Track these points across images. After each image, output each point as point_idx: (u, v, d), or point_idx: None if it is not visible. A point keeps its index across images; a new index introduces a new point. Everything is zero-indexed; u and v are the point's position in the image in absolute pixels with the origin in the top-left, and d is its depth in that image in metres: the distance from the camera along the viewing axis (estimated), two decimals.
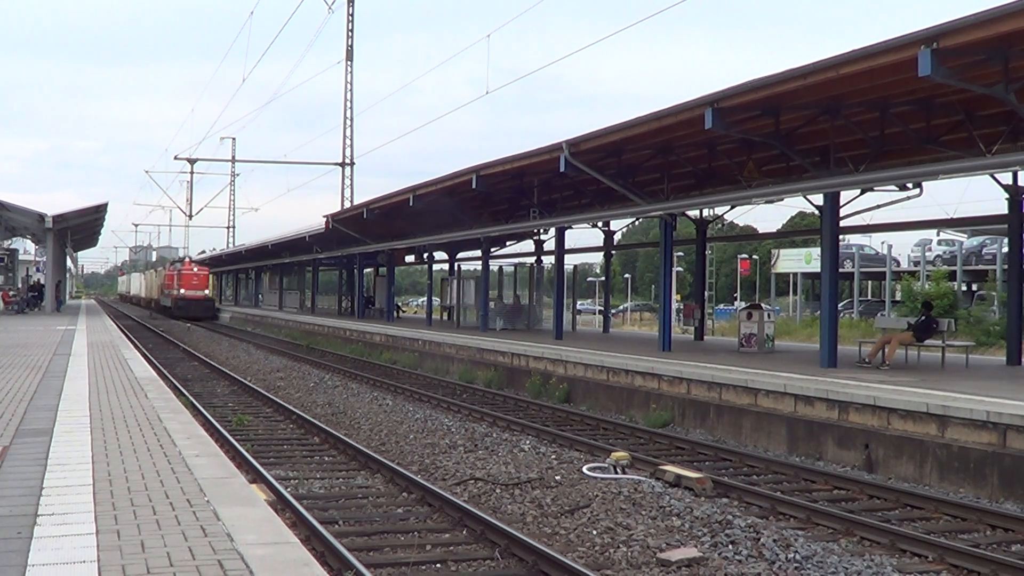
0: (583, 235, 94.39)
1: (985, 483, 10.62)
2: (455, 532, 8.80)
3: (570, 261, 35.16)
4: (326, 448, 13.46)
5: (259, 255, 62.06)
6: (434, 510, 9.55)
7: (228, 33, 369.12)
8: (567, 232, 29.30)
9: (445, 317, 40.60)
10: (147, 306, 78.05)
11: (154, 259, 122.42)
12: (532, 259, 35.92)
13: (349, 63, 47.91)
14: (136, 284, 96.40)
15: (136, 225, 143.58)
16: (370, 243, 39.59)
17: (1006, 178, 18.01)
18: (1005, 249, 30.13)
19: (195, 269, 61.71)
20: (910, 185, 16.98)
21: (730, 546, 8.09)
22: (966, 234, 44.54)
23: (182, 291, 59.18)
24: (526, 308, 34.93)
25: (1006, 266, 28.18)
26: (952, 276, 40.86)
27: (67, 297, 63.92)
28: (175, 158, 58.54)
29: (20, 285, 49.43)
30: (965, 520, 9.59)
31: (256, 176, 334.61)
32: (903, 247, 48.37)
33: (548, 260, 33.74)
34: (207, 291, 61.60)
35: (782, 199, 20.60)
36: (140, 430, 8.88)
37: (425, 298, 46.29)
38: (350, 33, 47.27)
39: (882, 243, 49.72)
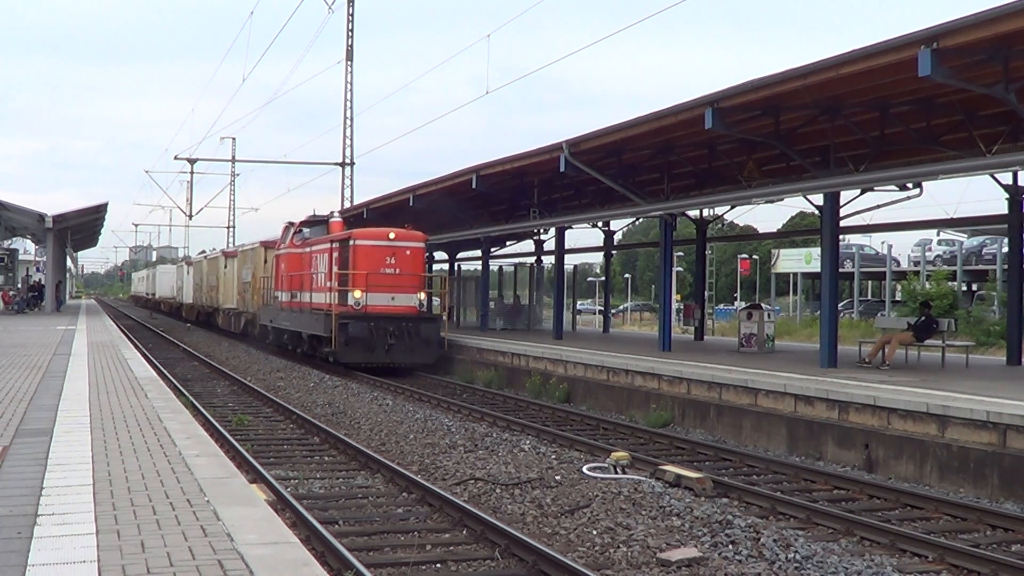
0: (583, 235, 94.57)
1: (985, 483, 10.62)
2: (455, 532, 8.80)
3: (570, 261, 35.21)
4: (326, 448, 13.46)
5: None
6: (434, 510, 9.55)
7: (228, 33, 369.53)
8: (567, 232, 29.31)
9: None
10: (198, 320, 48.04)
11: (154, 259, 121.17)
12: (532, 259, 35.94)
13: (349, 63, 47.89)
14: (166, 282, 64.47)
15: (136, 225, 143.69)
16: None
17: (1006, 178, 18.03)
18: (1005, 249, 30.13)
19: (392, 237, 24.01)
20: (910, 185, 17.00)
21: (730, 546, 8.09)
22: (966, 234, 44.53)
23: (361, 295, 23.42)
24: (526, 308, 34.93)
25: (1006, 266, 28.19)
26: (952, 276, 40.84)
27: (67, 297, 63.57)
28: (175, 158, 58.21)
29: (20, 285, 49.43)
30: (965, 520, 9.59)
31: (256, 176, 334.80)
32: (903, 247, 48.37)
33: (548, 260, 33.76)
34: (422, 295, 25.16)
35: (782, 199, 20.62)
36: (140, 430, 8.88)
37: None
38: (350, 33, 47.25)
39: (882, 243, 49.71)
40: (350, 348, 22.85)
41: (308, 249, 27.13)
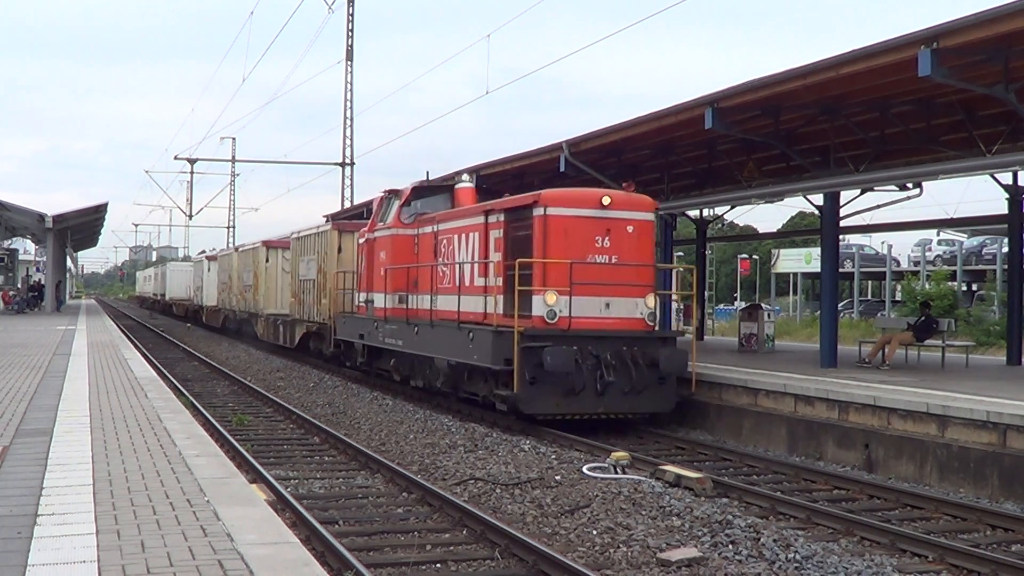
0: None
1: (985, 483, 10.62)
2: (455, 532, 8.80)
3: None
4: (326, 448, 13.46)
5: None
6: (434, 510, 9.55)
7: (228, 33, 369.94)
8: None
9: None
10: (225, 326, 40.29)
11: (154, 259, 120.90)
12: None
13: (349, 63, 47.89)
14: (180, 281, 56.22)
15: (136, 225, 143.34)
16: None
17: (1006, 178, 18.05)
18: (1005, 249, 30.14)
19: (606, 202, 14.44)
20: (910, 185, 17.00)
21: (730, 546, 8.09)
22: (966, 234, 44.55)
23: (556, 299, 14.06)
24: None
25: (1006, 266, 28.21)
26: (952, 276, 40.87)
27: (67, 297, 63.56)
28: (175, 158, 58.16)
29: (20, 285, 49.49)
30: (965, 520, 9.59)
31: (256, 176, 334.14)
32: (903, 247, 48.37)
33: None
34: (652, 299, 14.78)
35: (782, 199, 20.61)
36: (140, 430, 8.89)
37: None
38: (350, 33, 47.24)
39: (882, 243, 49.71)
40: (542, 389, 13.88)
41: (432, 228, 18.00)
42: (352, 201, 45.48)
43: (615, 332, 14.38)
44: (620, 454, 11.67)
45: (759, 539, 8.20)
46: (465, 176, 19.32)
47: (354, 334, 21.10)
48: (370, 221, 20.96)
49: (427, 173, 20.41)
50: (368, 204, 31.22)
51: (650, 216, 15.13)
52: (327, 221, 35.52)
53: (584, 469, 11.21)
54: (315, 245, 25.59)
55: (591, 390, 13.99)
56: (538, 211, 14.51)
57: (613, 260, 14.46)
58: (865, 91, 14.34)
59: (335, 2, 44.22)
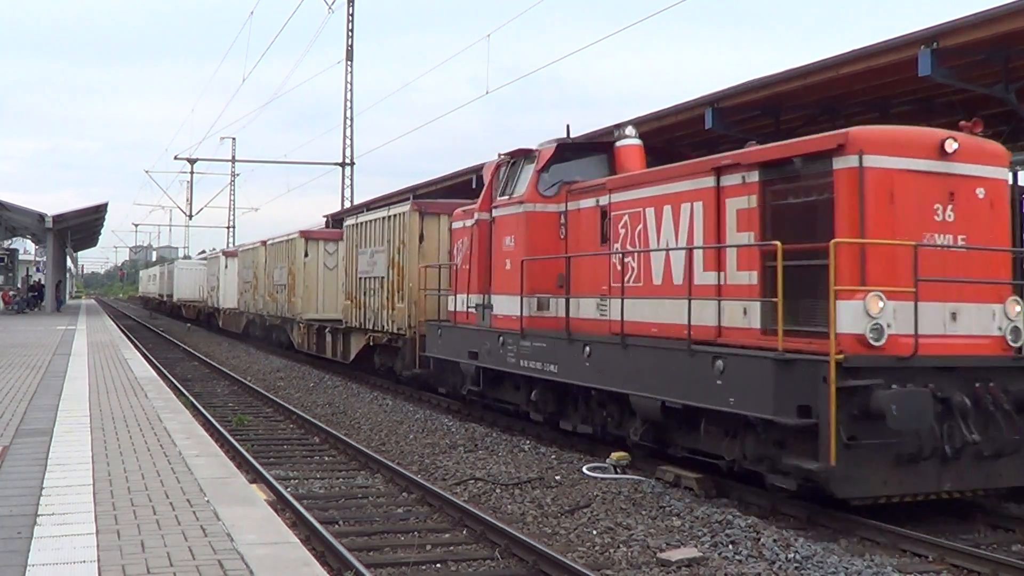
0: None
1: None
2: (455, 532, 8.80)
3: None
4: (326, 448, 13.47)
5: None
6: (434, 510, 9.55)
7: (228, 33, 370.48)
8: None
9: None
10: (248, 332, 34.95)
11: (154, 259, 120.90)
12: None
13: (349, 63, 47.86)
14: (190, 280, 50.74)
15: (136, 225, 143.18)
16: None
17: None
18: None
19: (951, 150, 8.99)
20: None
21: (730, 546, 8.09)
22: None
23: (880, 308, 8.60)
24: None
25: None
26: None
27: (67, 297, 63.59)
28: (175, 158, 58.16)
29: (20, 285, 49.52)
30: (965, 520, 9.58)
31: (256, 176, 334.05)
32: None
33: None
34: (1017, 305, 9.45)
35: None
36: (140, 430, 8.89)
37: None
38: (350, 33, 47.23)
39: None
40: (865, 457, 8.56)
41: (595, 201, 12.85)
42: (352, 201, 45.44)
43: (969, 360, 9.11)
44: (620, 454, 11.63)
45: (759, 539, 8.20)
46: (629, 130, 14.10)
47: (459, 351, 15.40)
48: (482, 196, 15.31)
49: (567, 128, 15.23)
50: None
51: (1006, 173, 10.12)
52: (327, 222, 35.30)
53: (584, 469, 11.20)
54: (384, 233, 20.08)
55: (936, 458, 8.80)
56: (843, 162, 9.03)
57: (960, 241, 9.28)
58: (865, 91, 14.35)
59: (335, 2, 44.25)
